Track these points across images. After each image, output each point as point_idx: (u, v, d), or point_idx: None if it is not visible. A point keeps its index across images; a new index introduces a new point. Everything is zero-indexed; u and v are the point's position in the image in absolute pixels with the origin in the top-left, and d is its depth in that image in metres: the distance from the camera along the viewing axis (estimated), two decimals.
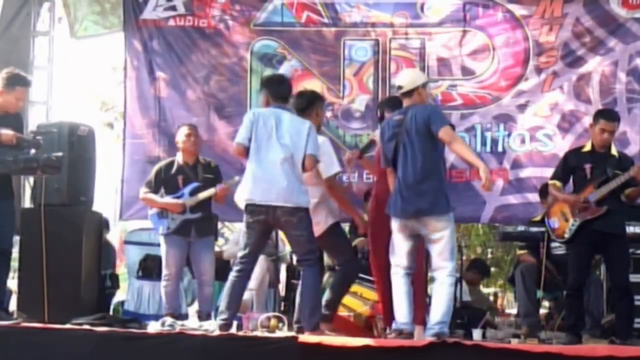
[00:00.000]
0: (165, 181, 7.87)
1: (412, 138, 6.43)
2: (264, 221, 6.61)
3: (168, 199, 7.78)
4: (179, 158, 7.95)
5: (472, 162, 6.56)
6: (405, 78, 6.74)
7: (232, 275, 6.71)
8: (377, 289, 7.17)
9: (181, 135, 7.93)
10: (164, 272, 7.78)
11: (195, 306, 8.32)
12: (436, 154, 6.50)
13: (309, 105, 7.00)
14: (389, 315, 6.72)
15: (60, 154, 7.41)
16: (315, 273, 6.69)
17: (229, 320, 6.60)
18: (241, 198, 6.77)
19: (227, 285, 6.72)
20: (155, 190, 7.85)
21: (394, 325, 6.49)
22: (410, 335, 6.41)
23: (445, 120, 6.61)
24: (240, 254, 6.76)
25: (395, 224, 6.54)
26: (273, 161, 6.57)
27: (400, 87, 6.62)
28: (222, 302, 6.69)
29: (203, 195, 7.79)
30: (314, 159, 6.67)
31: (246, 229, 6.72)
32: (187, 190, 7.81)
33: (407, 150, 6.44)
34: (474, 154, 6.78)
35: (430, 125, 6.39)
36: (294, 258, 6.87)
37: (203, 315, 7.68)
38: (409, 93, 6.58)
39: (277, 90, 6.83)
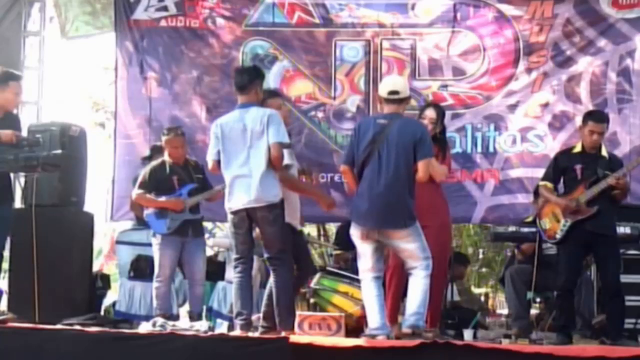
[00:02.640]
0: (159, 182, 7.84)
1: (392, 149, 6.38)
2: (246, 219, 6.68)
3: (166, 198, 7.75)
4: (167, 158, 7.93)
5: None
6: (401, 84, 6.73)
7: (235, 278, 6.77)
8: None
9: (168, 146, 7.90)
10: (157, 272, 7.76)
11: (186, 307, 8.31)
12: (410, 170, 6.44)
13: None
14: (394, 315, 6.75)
15: (59, 151, 7.43)
16: (288, 272, 6.72)
17: (249, 319, 6.68)
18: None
19: (235, 288, 6.78)
20: (149, 192, 7.83)
21: (366, 331, 6.46)
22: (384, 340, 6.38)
23: (432, 151, 6.56)
24: (233, 256, 6.83)
25: (356, 231, 6.51)
26: (243, 167, 6.63)
27: (395, 92, 6.55)
28: (236, 304, 6.75)
29: (204, 195, 7.81)
30: (278, 146, 6.60)
31: (233, 232, 6.80)
32: (184, 191, 7.81)
33: (383, 158, 6.38)
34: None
35: (417, 148, 6.38)
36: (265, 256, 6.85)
37: (194, 316, 7.69)
38: (401, 101, 6.57)
39: (235, 81, 6.88)
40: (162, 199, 7.77)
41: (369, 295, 6.48)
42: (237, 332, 6.69)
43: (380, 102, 6.67)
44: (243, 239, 6.76)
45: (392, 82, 6.98)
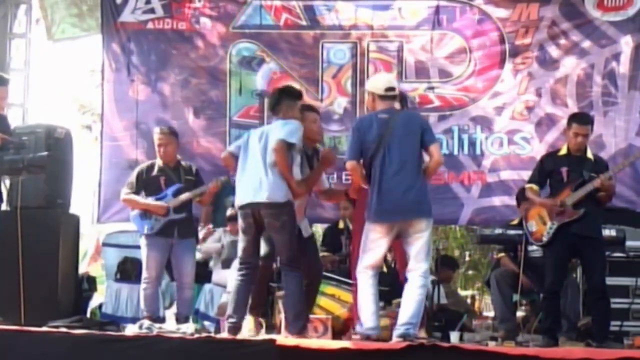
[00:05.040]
0: (147, 182, 7.85)
1: (401, 141, 6.46)
2: (254, 223, 6.68)
3: (151, 201, 7.75)
4: (159, 161, 7.94)
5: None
6: (395, 81, 6.89)
7: (236, 280, 6.77)
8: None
9: (158, 145, 7.92)
10: (144, 275, 7.75)
11: (173, 309, 8.30)
12: (420, 159, 6.55)
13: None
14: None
15: (44, 153, 7.41)
16: (296, 277, 6.67)
17: (238, 324, 6.68)
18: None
19: (233, 290, 6.78)
20: (137, 192, 7.83)
21: (359, 329, 6.48)
22: (377, 341, 6.39)
23: (435, 136, 6.78)
24: (239, 259, 6.81)
25: (377, 227, 6.51)
26: (256, 168, 6.67)
27: (392, 89, 6.64)
28: (229, 306, 6.75)
29: (187, 195, 7.79)
30: (282, 142, 6.60)
31: (241, 237, 6.79)
32: (170, 191, 7.80)
33: (393, 152, 6.45)
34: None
35: (424, 135, 6.51)
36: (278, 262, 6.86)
37: (181, 318, 7.66)
38: (395, 97, 6.66)
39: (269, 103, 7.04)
40: (148, 200, 7.76)
41: (366, 292, 6.50)
42: (224, 334, 6.68)
43: (373, 99, 6.69)
44: (249, 245, 6.76)
45: (387, 79, 7.06)
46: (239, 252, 6.84)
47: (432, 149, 6.52)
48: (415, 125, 6.55)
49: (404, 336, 6.25)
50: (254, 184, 6.67)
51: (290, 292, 6.65)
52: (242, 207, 6.74)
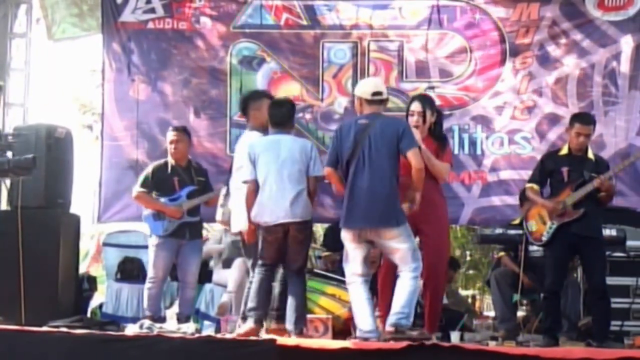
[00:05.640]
0: (160, 182, 7.86)
1: (376, 147, 6.39)
2: (278, 236, 6.66)
3: (167, 203, 7.75)
4: (171, 160, 7.94)
5: (415, 188, 6.50)
6: (382, 86, 6.77)
7: (258, 275, 6.69)
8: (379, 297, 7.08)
9: (169, 144, 7.94)
10: (151, 274, 7.76)
11: (173, 309, 8.30)
12: (396, 167, 6.46)
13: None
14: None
15: (31, 155, 7.39)
16: (303, 280, 6.76)
17: (262, 317, 6.63)
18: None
19: (255, 285, 6.68)
20: (149, 191, 7.83)
21: (358, 333, 6.45)
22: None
23: (416, 141, 6.55)
24: (259, 262, 6.75)
25: (348, 234, 6.50)
26: (276, 181, 6.62)
27: (379, 93, 6.58)
28: (252, 300, 6.65)
29: (201, 198, 7.81)
30: (316, 180, 6.73)
31: (263, 242, 6.72)
32: (184, 192, 7.82)
33: (367, 158, 6.39)
34: (421, 185, 6.57)
35: (400, 142, 6.38)
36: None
37: (182, 318, 7.67)
38: (382, 101, 6.61)
39: (274, 114, 6.84)
40: (162, 201, 7.76)
41: (359, 298, 6.47)
42: (248, 325, 6.58)
43: (360, 103, 6.64)
44: (272, 255, 6.70)
45: (374, 83, 6.97)
46: (259, 255, 6.76)
47: (409, 155, 6.37)
48: (391, 132, 6.41)
49: (395, 325, 6.23)
50: (281, 202, 6.61)
51: (295, 295, 6.66)
52: (271, 225, 6.65)
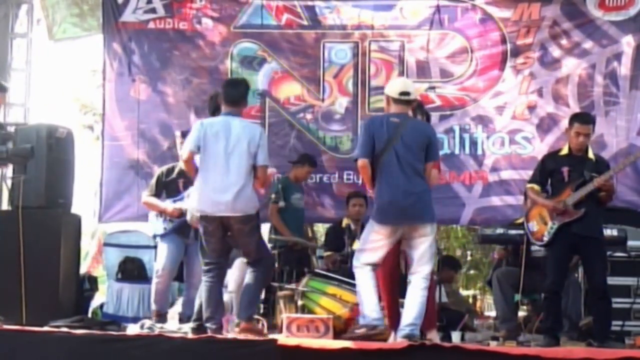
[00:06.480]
0: (166, 185, 7.89)
1: (409, 146, 6.50)
2: (220, 227, 6.73)
3: (167, 203, 7.78)
4: (181, 164, 7.96)
5: None
6: (412, 86, 6.87)
7: (206, 282, 6.79)
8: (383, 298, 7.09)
9: (177, 146, 7.96)
10: (158, 268, 7.75)
11: (174, 309, 8.29)
12: (423, 167, 6.59)
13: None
14: (395, 322, 6.74)
15: (28, 145, 7.43)
16: (264, 273, 6.85)
17: (220, 323, 6.70)
18: (192, 208, 6.93)
19: (205, 292, 6.78)
20: (157, 194, 7.86)
21: (363, 320, 6.50)
22: (381, 332, 6.46)
23: (438, 154, 6.82)
24: (206, 260, 6.84)
25: (384, 229, 6.56)
26: (221, 172, 6.65)
27: (407, 93, 6.65)
28: (207, 309, 6.73)
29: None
30: (266, 169, 6.77)
31: (205, 238, 6.82)
32: (186, 193, 7.82)
33: (401, 157, 6.49)
34: None
35: (429, 150, 6.57)
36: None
37: (184, 318, 7.67)
38: (410, 102, 6.70)
39: (229, 93, 6.89)
40: (164, 203, 7.78)
41: (368, 285, 6.54)
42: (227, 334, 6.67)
43: (388, 102, 6.72)
44: (216, 247, 6.80)
45: (402, 83, 7.05)
46: (205, 254, 6.89)
47: (431, 165, 6.61)
48: (422, 136, 6.59)
49: (409, 337, 6.29)
50: (223, 194, 6.65)
51: (253, 282, 6.76)
52: (207, 218, 6.74)
